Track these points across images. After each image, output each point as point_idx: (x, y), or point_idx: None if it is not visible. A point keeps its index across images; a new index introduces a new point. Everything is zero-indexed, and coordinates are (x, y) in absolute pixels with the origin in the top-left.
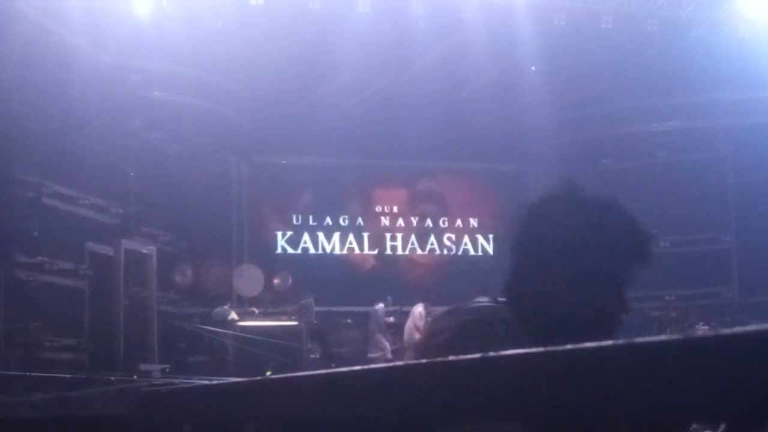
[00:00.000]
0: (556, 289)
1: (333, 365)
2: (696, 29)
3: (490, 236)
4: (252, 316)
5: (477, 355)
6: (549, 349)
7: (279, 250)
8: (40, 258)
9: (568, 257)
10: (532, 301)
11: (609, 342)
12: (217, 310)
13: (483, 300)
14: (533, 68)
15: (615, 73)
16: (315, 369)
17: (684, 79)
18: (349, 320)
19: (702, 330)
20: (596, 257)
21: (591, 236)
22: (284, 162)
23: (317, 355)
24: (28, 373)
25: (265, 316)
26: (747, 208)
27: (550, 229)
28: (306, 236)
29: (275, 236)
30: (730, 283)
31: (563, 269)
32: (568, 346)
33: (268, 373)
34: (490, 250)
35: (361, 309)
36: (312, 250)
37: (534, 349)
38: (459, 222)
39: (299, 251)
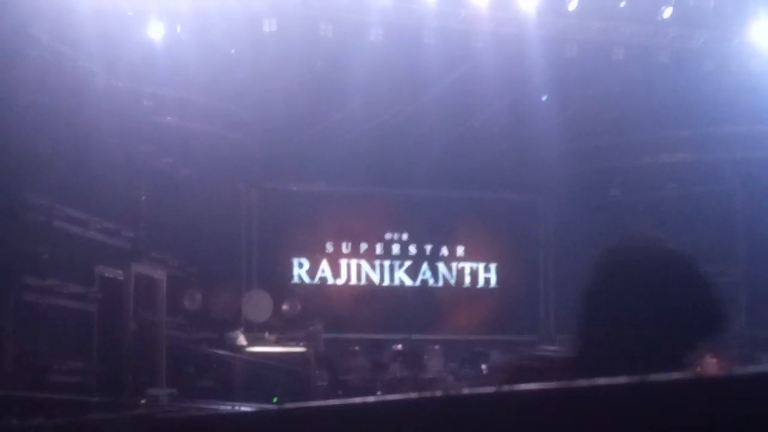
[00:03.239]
0: (625, 348)
1: (340, 392)
2: (707, 62)
3: (492, 267)
4: (263, 341)
5: (491, 390)
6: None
7: (296, 279)
8: (49, 281)
9: (640, 318)
10: (598, 356)
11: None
12: (231, 334)
13: (549, 349)
14: (544, 98)
15: (625, 104)
16: (322, 396)
17: (694, 111)
18: (357, 347)
19: (710, 362)
20: (670, 321)
21: (670, 298)
22: (294, 189)
23: (325, 382)
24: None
25: (274, 342)
26: (756, 241)
27: (631, 284)
28: (324, 264)
29: (289, 263)
30: (738, 315)
31: (639, 329)
32: (582, 383)
33: (274, 400)
34: (493, 282)
35: (370, 337)
36: (320, 279)
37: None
38: (467, 252)
39: (314, 280)
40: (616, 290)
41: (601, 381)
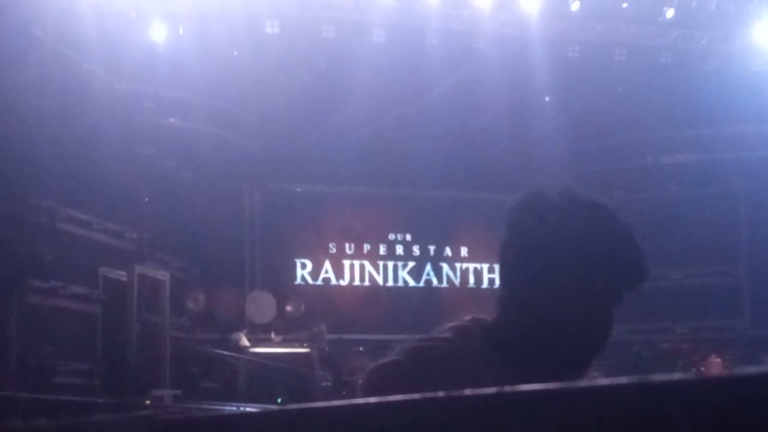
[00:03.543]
0: (541, 304)
1: (344, 393)
2: (709, 62)
3: (496, 267)
4: (267, 342)
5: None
6: (550, 386)
7: (299, 280)
8: (53, 283)
9: (557, 271)
10: (514, 319)
11: (623, 379)
12: (235, 335)
13: (465, 319)
14: (546, 99)
15: (628, 105)
16: (326, 396)
17: (697, 111)
18: (360, 348)
19: (714, 363)
20: (589, 272)
21: (586, 247)
22: (297, 190)
23: (329, 383)
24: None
25: (278, 343)
26: (759, 241)
27: (541, 236)
28: (327, 265)
29: (292, 264)
30: (742, 315)
31: (550, 283)
32: (575, 384)
33: (278, 401)
34: (498, 282)
35: (374, 337)
36: (327, 280)
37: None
38: (470, 253)
39: (317, 281)
40: (527, 246)
41: (603, 381)
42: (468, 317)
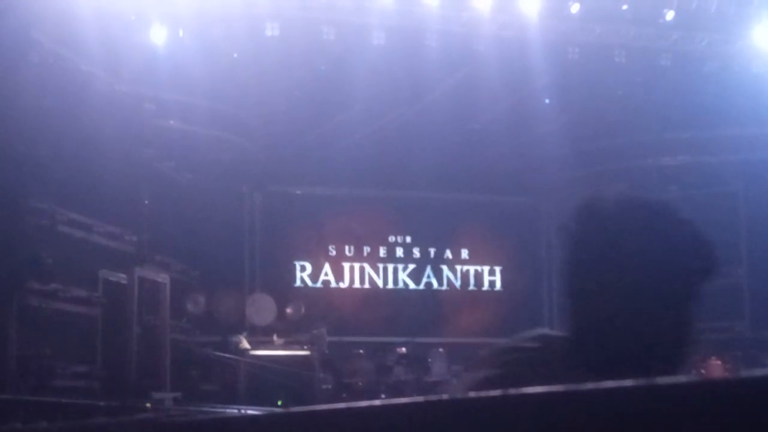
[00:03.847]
0: (617, 314)
1: (344, 395)
2: (709, 64)
3: (497, 269)
4: (267, 345)
5: (497, 392)
6: (568, 388)
7: (299, 283)
8: (53, 285)
9: (628, 276)
10: (589, 331)
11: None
12: (235, 337)
13: (541, 331)
14: (546, 101)
15: (627, 106)
16: (326, 399)
17: (696, 113)
18: (360, 350)
19: (714, 365)
20: (661, 272)
21: (653, 247)
22: (297, 192)
23: (329, 385)
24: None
25: (278, 345)
26: (759, 243)
27: (605, 243)
28: (327, 267)
29: (292, 267)
30: (742, 317)
31: (624, 291)
32: (588, 386)
33: (279, 403)
34: (498, 284)
35: (374, 340)
36: (325, 283)
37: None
38: (471, 255)
39: (317, 284)
40: (592, 257)
41: (608, 384)
42: (538, 331)
